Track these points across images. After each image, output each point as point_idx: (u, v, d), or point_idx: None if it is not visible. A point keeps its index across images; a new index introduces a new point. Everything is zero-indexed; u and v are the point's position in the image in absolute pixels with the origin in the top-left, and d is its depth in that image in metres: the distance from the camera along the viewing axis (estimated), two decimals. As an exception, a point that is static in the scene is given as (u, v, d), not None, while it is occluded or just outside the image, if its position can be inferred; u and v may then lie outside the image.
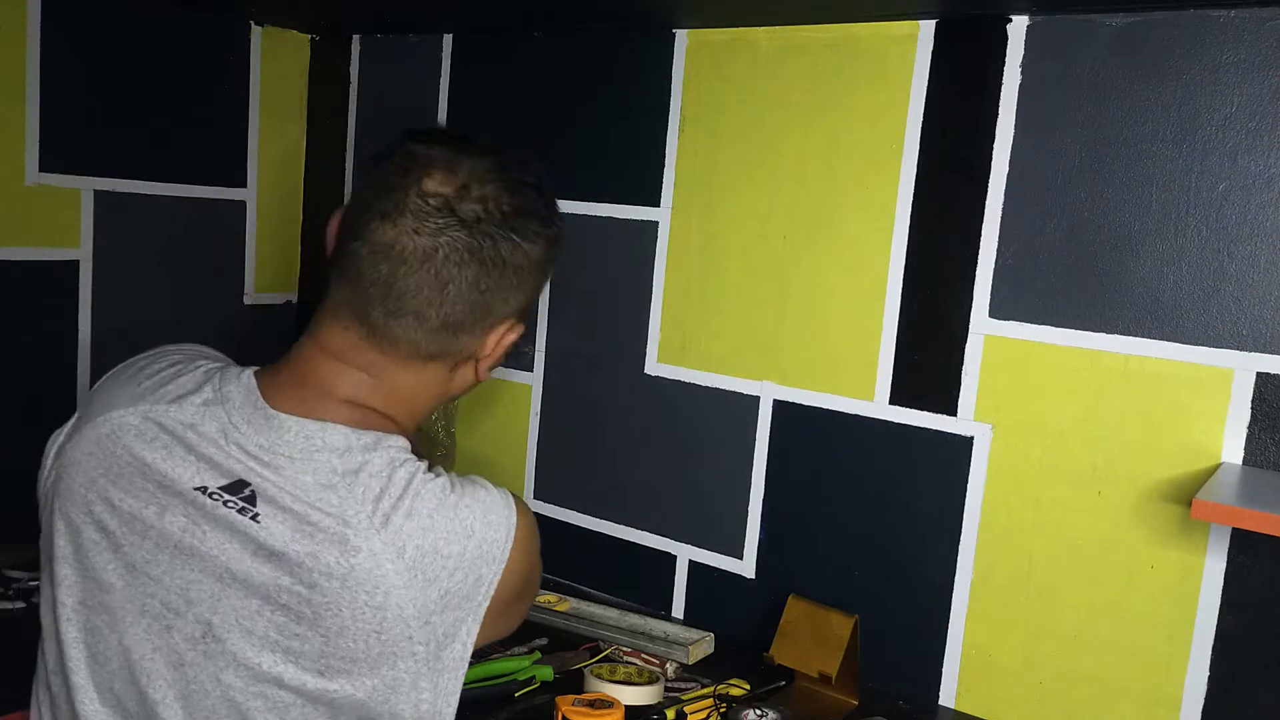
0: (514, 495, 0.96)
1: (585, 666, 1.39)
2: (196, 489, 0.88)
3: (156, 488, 0.89)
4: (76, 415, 0.97)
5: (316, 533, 0.86)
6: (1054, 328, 1.33)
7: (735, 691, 1.37)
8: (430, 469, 0.92)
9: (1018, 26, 1.33)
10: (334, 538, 0.86)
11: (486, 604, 0.91)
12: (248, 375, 0.94)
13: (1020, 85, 1.33)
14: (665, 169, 1.63)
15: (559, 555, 1.77)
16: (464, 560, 0.90)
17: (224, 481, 0.88)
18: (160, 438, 0.90)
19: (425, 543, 0.88)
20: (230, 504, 0.87)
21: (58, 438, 0.96)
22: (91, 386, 1.04)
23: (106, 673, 0.90)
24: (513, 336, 0.99)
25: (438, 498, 0.90)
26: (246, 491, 0.88)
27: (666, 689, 1.36)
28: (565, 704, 1.24)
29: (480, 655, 1.42)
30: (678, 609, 1.66)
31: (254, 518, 0.87)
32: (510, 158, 0.95)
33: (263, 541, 0.86)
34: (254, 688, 0.87)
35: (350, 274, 0.91)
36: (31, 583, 1.46)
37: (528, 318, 1.02)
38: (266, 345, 2.06)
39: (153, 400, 0.92)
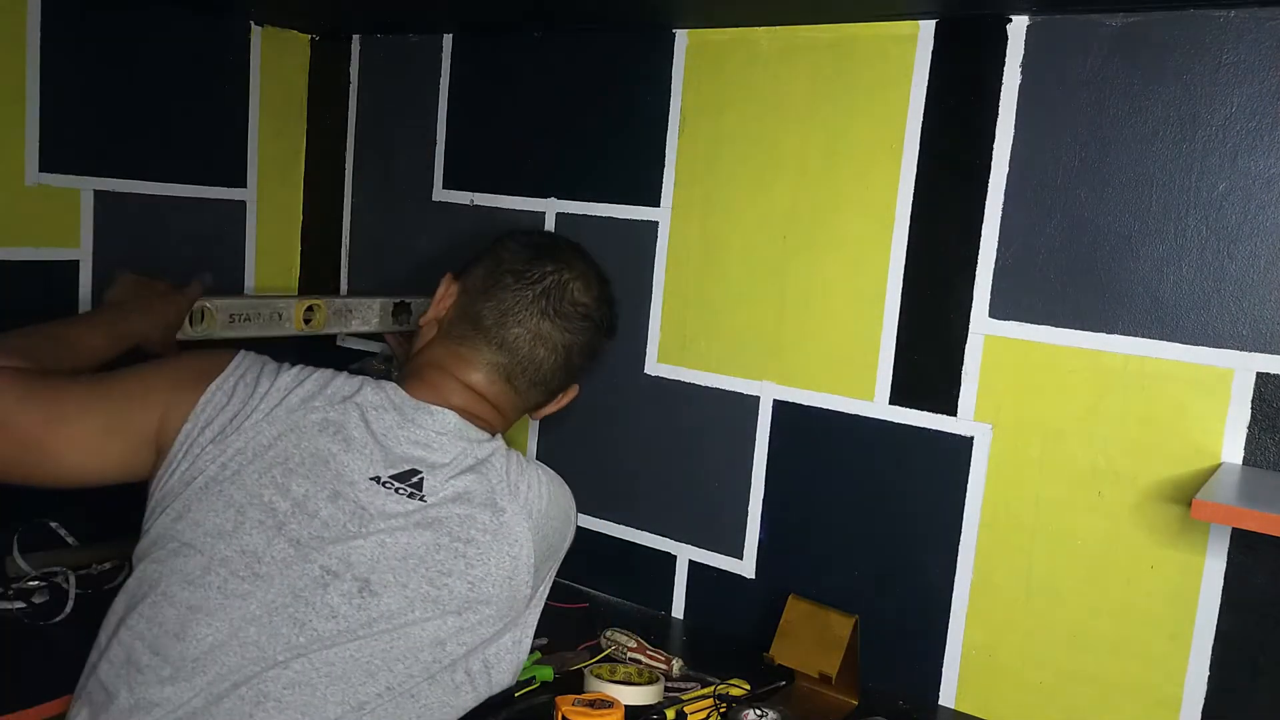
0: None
1: (585, 666, 1.39)
2: (371, 479, 1.10)
3: (333, 476, 1.09)
4: (235, 414, 1.12)
5: (473, 499, 1.14)
6: (1054, 328, 1.33)
7: (735, 691, 1.37)
8: (524, 457, 1.25)
9: (1018, 26, 1.33)
10: (486, 503, 1.14)
11: (563, 555, 1.27)
12: (394, 385, 1.21)
13: (1020, 85, 1.33)
14: (665, 169, 1.63)
15: (559, 555, 1.77)
16: (562, 521, 1.23)
17: (395, 471, 1.12)
18: (343, 431, 1.12)
19: (542, 507, 1.19)
20: (400, 490, 1.11)
21: (198, 434, 1.11)
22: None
23: (255, 627, 1.02)
24: (571, 396, 1.41)
25: (541, 474, 1.22)
26: (415, 479, 1.13)
27: (666, 689, 1.36)
28: (565, 704, 1.24)
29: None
30: (678, 609, 1.66)
31: (421, 499, 1.12)
32: (602, 273, 1.40)
33: (425, 515, 1.10)
34: (400, 630, 1.05)
35: (494, 330, 1.27)
36: (31, 583, 1.46)
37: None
38: (266, 345, 2.06)
39: (325, 399, 1.14)
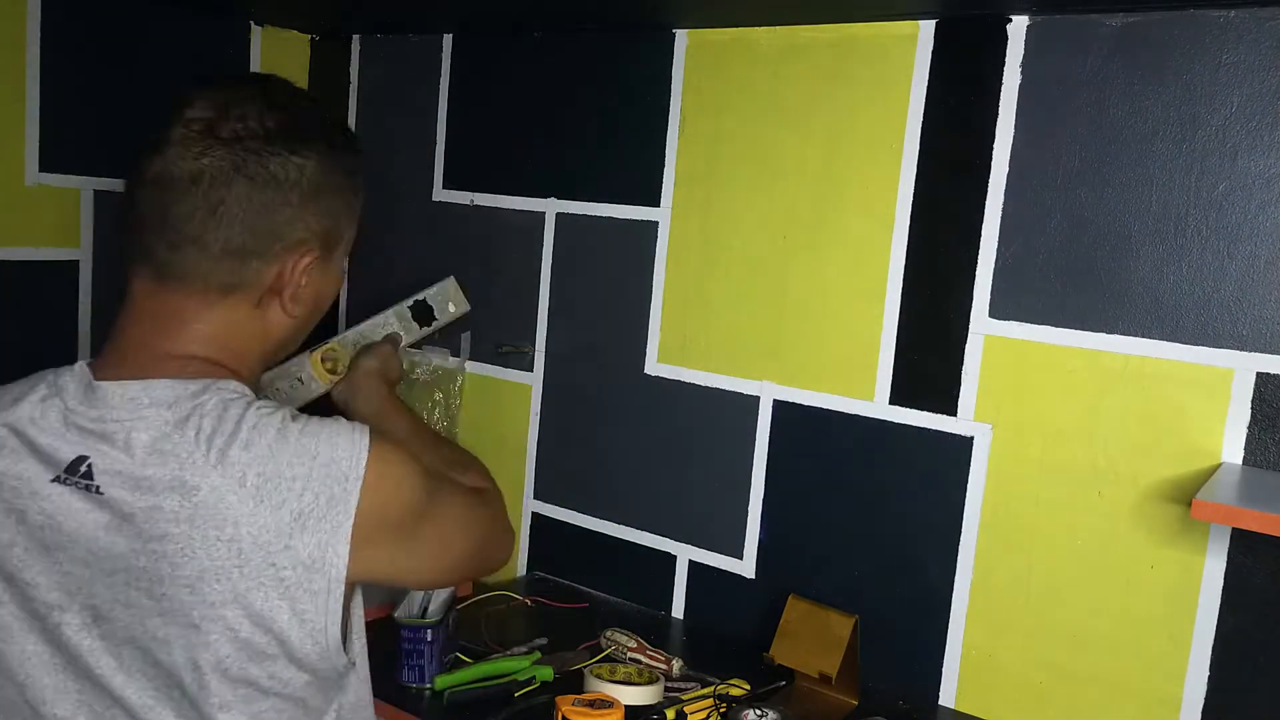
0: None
1: (585, 666, 1.39)
2: (52, 480, 0.88)
3: (13, 493, 0.89)
4: None
5: (155, 484, 0.85)
6: (1054, 328, 1.33)
7: (735, 691, 1.37)
8: (269, 405, 0.90)
9: (1018, 26, 1.33)
10: (171, 484, 0.85)
11: (350, 522, 0.87)
12: (81, 363, 0.94)
13: (1020, 85, 1.33)
14: (665, 169, 1.63)
15: (559, 555, 1.77)
16: (311, 480, 0.87)
17: (65, 463, 0.88)
18: (8, 442, 0.90)
19: (266, 469, 0.86)
20: (74, 483, 0.87)
21: None
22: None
23: (16, 689, 0.89)
24: (307, 261, 0.94)
25: (276, 428, 0.88)
26: (84, 467, 0.87)
27: (666, 689, 1.36)
28: (565, 704, 1.24)
29: (480, 655, 1.42)
30: (678, 609, 1.66)
31: (96, 490, 0.87)
32: (276, 83, 0.96)
33: (111, 510, 0.86)
34: (151, 654, 0.87)
35: (133, 220, 0.91)
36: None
37: (337, 248, 0.98)
38: (266, 345, 2.06)
39: None
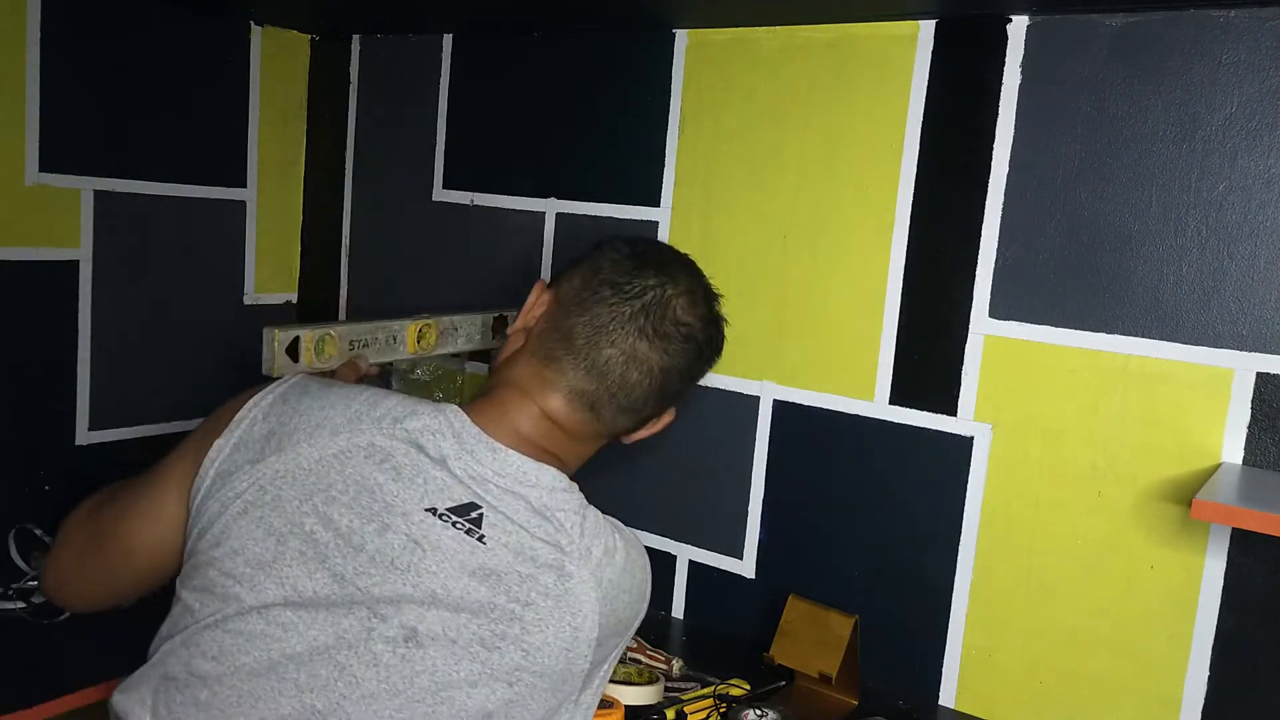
0: None
1: (585, 666, 1.39)
2: (427, 510, 0.98)
3: (382, 508, 0.98)
4: (271, 434, 1.03)
5: (537, 557, 0.98)
6: (1054, 328, 1.33)
7: (735, 691, 1.37)
8: (598, 512, 1.08)
9: (1018, 26, 1.33)
10: (552, 564, 0.98)
11: (632, 633, 1.09)
12: (455, 408, 1.06)
13: (1020, 85, 1.33)
14: (665, 169, 1.63)
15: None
16: (635, 596, 1.06)
17: (452, 504, 0.99)
18: (390, 459, 1.00)
19: (614, 576, 1.02)
20: (459, 525, 0.98)
21: (230, 452, 1.02)
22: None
23: (294, 665, 0.94)
24: (669, 420, 1.21)
25: (619, 538, 1.06)
26: (475, 514, 0.99)
27: (666, 689, 1.36)
28: (565, 704, 1.24)
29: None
30: (678, 609, 1.66)
31: (480, 539, 0.98)
32: (710, 288, 1.20)
33: (483, 562, 0.97)
34: (444, 693, 0.94)
35: (590, 365, 1.10)
36: (31, 583, 1.46)
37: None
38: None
39: (373, 421, 1.02)
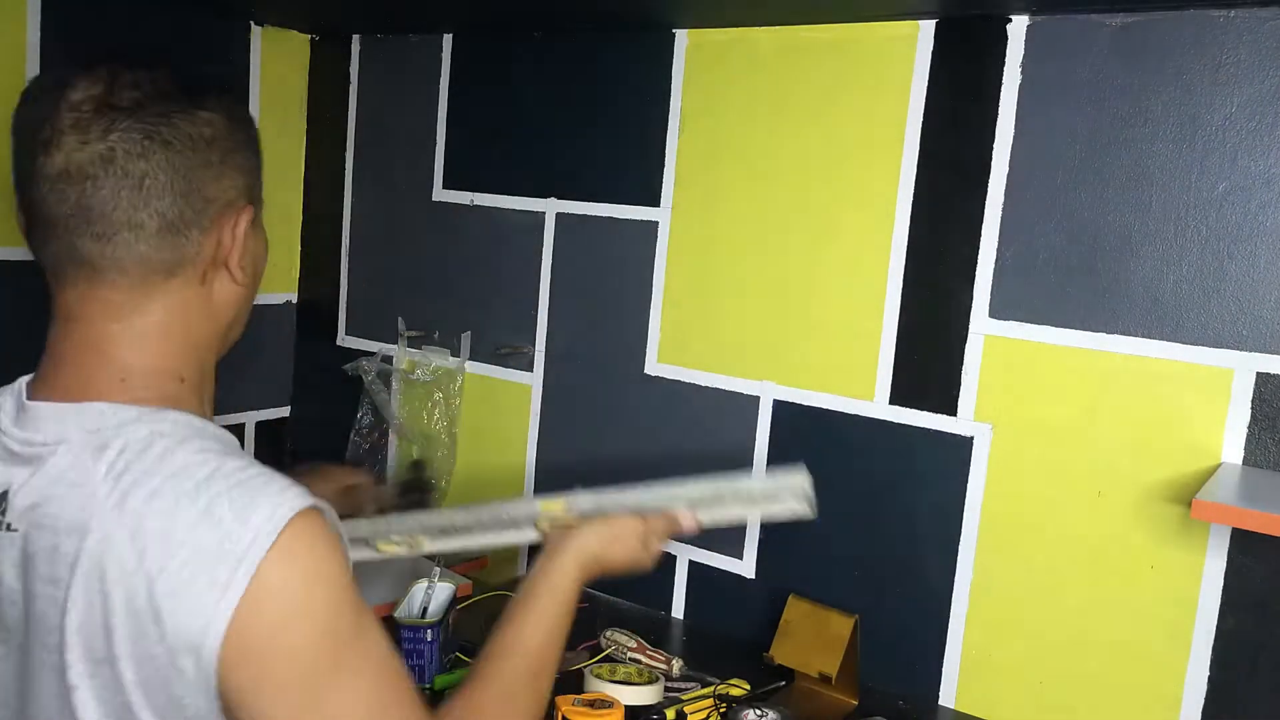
0: (321, 502, 0.79)
1: (585, 666, 1.39)
2: None
3: None
4: None
5: (57, 522, 0.77)
6: (1054, 328, 1.33)
7: (735, 691, 1.37)
8: (203, 448, 0.79)
9: (1018, 26, 1.33)
10: (73, 525, 0.77)
11: (220, 636, 0.73)
12: (21, 380, 0.88)
13: (1020, 85, 1.33)
14: (665, 169, 1.63)
15: (559, 555, 1.77)
16: (199, 551, 0.74)
17: None
18: None
19: (156, 524, 0.75)
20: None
21: None
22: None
23: None
24: (244, 221, 0.88)
25: (194, 477, 0.77)
26: (4, 503, 0.81)
27: (666, 689, 1.36)
28: (565, 704, 1.24)
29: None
30: (678, 609, 1.66)
31: (9, 528, 0.80)
32: (126, 61, 0.86)
33: (19, 549, 0.79)
34: (80, 681, 0.77)
35: (43, 224, 0.84)
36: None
37: (260, 205, 0.93)
38: (266, 346, 2.06)
39: None
